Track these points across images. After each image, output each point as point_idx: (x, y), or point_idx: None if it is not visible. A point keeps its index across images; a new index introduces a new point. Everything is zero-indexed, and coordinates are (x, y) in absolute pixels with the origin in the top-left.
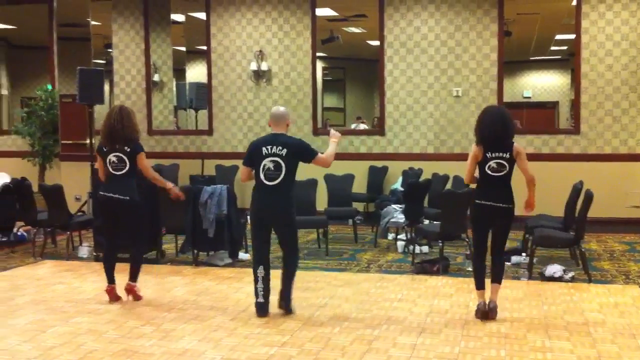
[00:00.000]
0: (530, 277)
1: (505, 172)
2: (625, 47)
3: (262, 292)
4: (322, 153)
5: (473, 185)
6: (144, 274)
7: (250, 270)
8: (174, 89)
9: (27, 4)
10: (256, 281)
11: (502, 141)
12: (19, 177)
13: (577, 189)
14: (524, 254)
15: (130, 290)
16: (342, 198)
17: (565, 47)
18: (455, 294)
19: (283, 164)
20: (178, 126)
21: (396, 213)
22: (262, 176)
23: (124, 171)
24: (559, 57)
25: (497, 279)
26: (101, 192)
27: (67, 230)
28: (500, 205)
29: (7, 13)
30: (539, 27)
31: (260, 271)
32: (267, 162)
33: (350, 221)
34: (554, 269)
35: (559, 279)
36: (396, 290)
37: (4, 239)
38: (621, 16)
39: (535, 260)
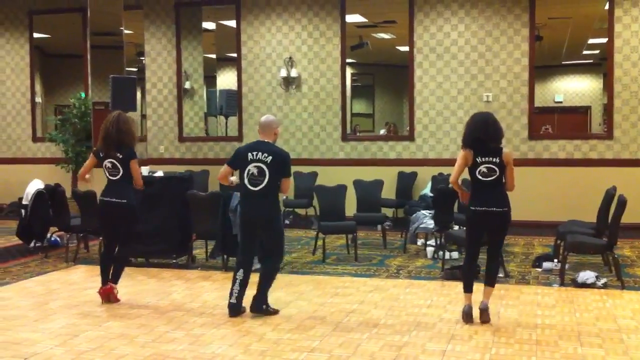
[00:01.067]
0: (562, 284)
1: (495, 176)
2: None
3: (236, 294)
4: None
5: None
6: (176, 278)
7: (279, 275)
8: (205, 96)
9: (62, 13)
10: (233, 282)
11: (488, 145)
12: (52, 184)
13: (610, 194)
14: (555, 260)
15: (109, 291)
16: (371, 204)
17: (597, 51)
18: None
19: (267, 171)
20: (207, 132)
21: (425, 219)
22: (246, 181)
23: (118, 177)
24: (591, 61)
25: (490, 282)
26: (100, 197)
27: (99, 235)
28: (494, 209)
29: (41, 22)
30: (570, 31)
31: (240, 274)
32: (251, 168)
33: (379, 227)
34: (587, 276)
35: (592, 286)
36: (425, 296)
37: (38, 245)
38: None
39: (567, 266)
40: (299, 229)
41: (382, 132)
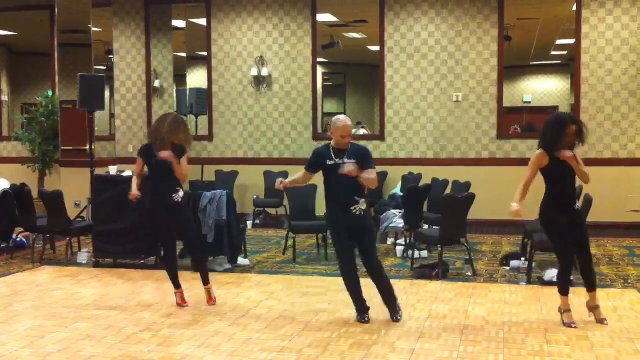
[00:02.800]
0: (529, 282)
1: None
2: (625, 51)
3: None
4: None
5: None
6: (144, 279)
7: (250, 275)
8: (175, 94)
9: (29, 10)
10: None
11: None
12: (18, 183)
13: (577, 194)
14: (523, 259)
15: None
16: None
17: (565, 52)
18: (455, 298)
19: None
20: None
21: (395, 218)
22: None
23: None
24: (559, 62)
25: (595, 284)
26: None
27: (66, 236)
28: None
29: (8, 19)
30: (539, 32)
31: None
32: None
33: None
34: (553, 274)
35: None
36: (395, 295)
37: (3, 245)
38: (621, 21)
39: (534, 264)
40: (269, 229)
41: (355, 131)
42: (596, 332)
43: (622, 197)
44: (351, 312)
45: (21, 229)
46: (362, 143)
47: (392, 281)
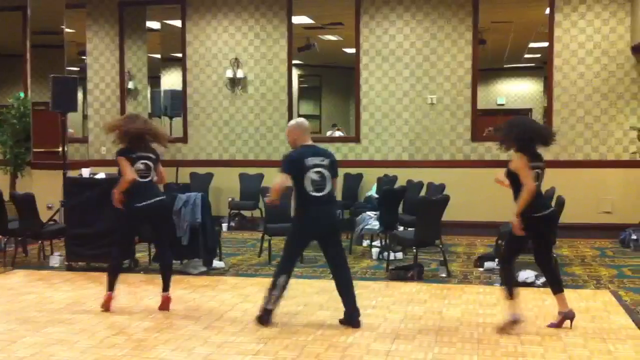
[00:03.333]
0: (502, 283)
1: (541, 180)
2: (597, 55)
3: (274, 300)
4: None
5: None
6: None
7: (225, 278)
8: (149, 96)
9: (1, 11)
10: (274, 288)
11: (537, 150)
12: None
13: (549, 196)
14: (496, 260)
15: (168, 300)
16: None
17: (538, 55)
18: (429, 300)
19: (327, 175)
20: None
21: (371, 220)
22: (309, 188)
23: (149, 178)
24: (533, 64)
25: (562, 287)
26: (139, 204)
27: (38, 239)
28: (551, 212)
29: None
30: (512, 35)
31: (282, 280)
32: (311, 174)
33: None
34: (527, 275)
35: (531, 285)
36: (370, 296)
37: None
38: (594, 25)
39: None
40: (244, 231)
41: (330, 133)
42: (569, 332)
43: (594, 199)
44: (327, 313)
45: None
46: (338, 145)
47: (367, 283)
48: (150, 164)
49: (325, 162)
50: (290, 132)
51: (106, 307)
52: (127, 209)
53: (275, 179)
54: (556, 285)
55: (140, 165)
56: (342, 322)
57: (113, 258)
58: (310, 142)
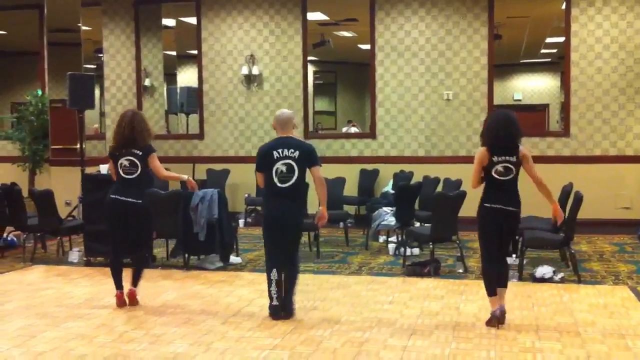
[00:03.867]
0: (520, 279)
1: (512, 175)
2: (615, 49)
3: (276, 296)
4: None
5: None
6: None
7: (242, 273)
8: (165, 93)
9: (18, 9)
10: (270, 284)
11: (508, 144)
12: (8, 183)
13: (566, 191)
14: (514, 256)
15: (132, 295)
16: (333, 201)
17: (555, 50)
18: (446, 295)
19: (296, 167)
20: (168, 130)
21: (387, 216)
22: (275, 180)
23: (135, 175)
24: (549, 60)
25: (504, 283)
26: (112, 196)
27: (57, 235)
28: (510, 209)
29: None
30: (529, 31)
31: (274, 274)
32: (279, 166)
33: (342, 224)
34: (544, 270)
35: (549, 280)
36: (387, 292)
37: None
38: (610, 19)
39: (525, 261)
40: (261, 227)
41: (346, 129)
42: (587, 328)
43: (613, 194)
44: (343, 309)
45: (12, 228)
46: (354, 141)
47: (384, 279)
48: (136, 160)
49: (295, 154)
50: (274, 122)
51: (119, 304)
52: (105, 202)
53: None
54: (502, 281)
55: (124, 162)
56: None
57: (109, 256)
58: (287, 134)
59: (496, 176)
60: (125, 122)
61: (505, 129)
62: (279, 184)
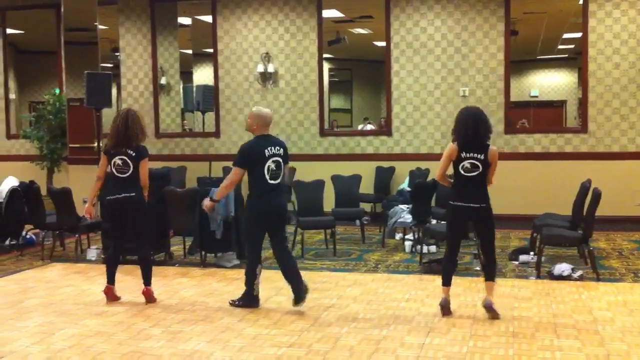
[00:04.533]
0: (538, 276)
1: (478, 172)
2: (633, 45)
3: (258, 287)
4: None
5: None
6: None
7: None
8: (181, 91)
9: (35, 9)
10: (255, 277)
11: (476, 141)
12: (27, 181)
13: (585, 188)
14: (532, 253)
15: (148, 293)
16: (350, 199)
17: (572, 46)
18: (463, 293)
19: (282, 163)
20: (190, 128)
21: (403, 213)
22: (267, 177)
23: (127, 174)
24: (566, 55)
25: (490, 277)
26: (107, 197)
27: (75, 233)
28: (472, 205)
29: (15, 18)
30: (545, 26)
31: (260, 269)
32: (270, 163)
33: (358, 222)
34: (562, 268)
35: (567, 278)
36: (404, 290)
37: (13, 242)
38: (628, 14)
39: (543, 259)
40: None
41: (362, 127)
42: (607, 326)
43: (631, 191)
44: (360, 306)
45: (30, 226)
46: (370, 138)
47: (401, 276)
48: (129, 161)
49: (281, 151)
50: (254, 119)
51: (110, 298)
52: (101, 202)
53: (229, 176)
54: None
55: (117, 160)
56: (294, 304)
57: (107, 251)
58: (267, 133)
59: (462, 172)
60: (120, 121)
61: (474, 128)
62: (270, 181)
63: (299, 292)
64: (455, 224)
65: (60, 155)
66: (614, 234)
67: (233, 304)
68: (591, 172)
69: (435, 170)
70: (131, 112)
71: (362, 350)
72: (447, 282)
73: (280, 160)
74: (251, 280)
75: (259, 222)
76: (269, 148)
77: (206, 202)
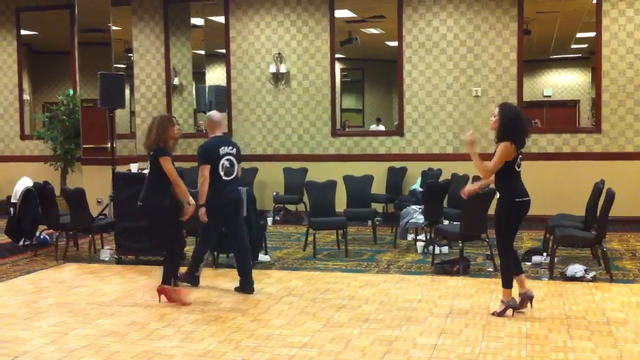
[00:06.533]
0: (551, 277)
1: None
2: None
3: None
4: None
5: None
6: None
7: (270, 271)
8: (194, 92)
9: (49, 10)
10: (202, 261)
11: (525, 138)
12: (41, 181)
13: (598, 188)
14: (544, 254)
15: (158, 292)
16: (361, 199)
17: (585, 45)
18: (476, 294)
19: (235, 161)
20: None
21: (415, 214)
22: (221, 173)
23: (146, 177)
24: (580, 55)
25: (521, 269)
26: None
27: (89, 233)
28: (530, 199)
29: (29, 19)
30: (558, 26)
31: (208, 256)
32: (224, 161)
33: (370, 222)
34: (576, 269)
35: (581, 279)
36: (416, 291)
37: (27, 243)
38: None
39: (556, 260)
40: (289, 225)
41: (373, 127)
42: (620, 327)
43: None
44: (372, 307)
45: (44, 227)
46: (382, 138)
47: (413, 277)
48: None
49: (234, 150)
50: (208, 123)
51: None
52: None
53: (200, 175)
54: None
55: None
56: (236, 289)
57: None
58: (220, 133)
59: (517, 168)
60: (149, 125)
61: (527, 126)
62: (224, 177)
63: (243, 287)
64: (517, 220)
65: (73, 156)
66: (628, 234)
67: (181, 278)
68: (605, 172)
69: (447, 170)
70: (156, 119)
71: (374, 351)
72: (511, 285)
73: (233, 159)
74: (197, 263)
75: (214, 214)
76: (222, 147)
77: (200, 212)
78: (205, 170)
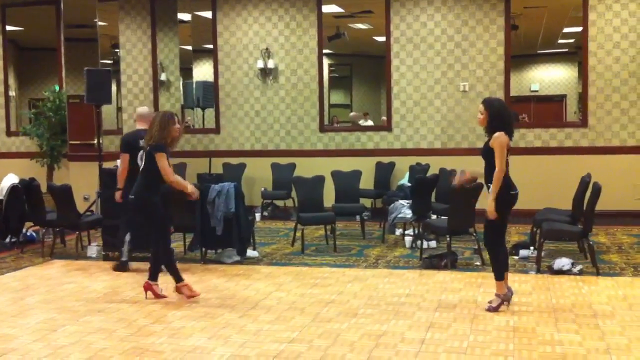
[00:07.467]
0: (538, 271)
1: None
2: (633, 39)
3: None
4: None
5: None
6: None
7: (259, 267)
8: (181, 88)
9: (35, 5)
10: (126, 244)
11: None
12: (27, 178)
13: (585, 182)
14: (532, 248)
15: (144, 288)
16: (350, 194)
17: (572, 40)
18: (464, 288)
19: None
20: (193, 125)
21: (403, 208)
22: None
23: (141, 169)
24: (566, 50)
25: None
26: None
27: (76, 230)
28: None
29: (14, 15)
30: (545, 21)
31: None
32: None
33: (358, 217)
34: (562, 262)
35: (568, 272)
36: (404, 285)
37: (13, 240)
38: (629, 8)
39: (543, 253)
40: (277, 221)
41: (361, 122)
42: (607, 320)
43: (631, 186)
44: (360, 302)
45: (31, 224)
46: (370, 133)
47: (401, 272)
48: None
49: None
50: (136, 117)
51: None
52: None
53: (120, 164)
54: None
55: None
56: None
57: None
58: (141, 127)
59: (508, 160)
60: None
61: (512, 116)
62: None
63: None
64: (509, 212)
65: (60, 152)
66: (614, 228)
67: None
68: (591, 166)
69: (435, 165)
70: (157, 114)
71: (362, 346)
72: (504, 275)
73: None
74: (122, 247)
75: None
76: (140, 140)
77: (116, 196)
78: (124, 159)
